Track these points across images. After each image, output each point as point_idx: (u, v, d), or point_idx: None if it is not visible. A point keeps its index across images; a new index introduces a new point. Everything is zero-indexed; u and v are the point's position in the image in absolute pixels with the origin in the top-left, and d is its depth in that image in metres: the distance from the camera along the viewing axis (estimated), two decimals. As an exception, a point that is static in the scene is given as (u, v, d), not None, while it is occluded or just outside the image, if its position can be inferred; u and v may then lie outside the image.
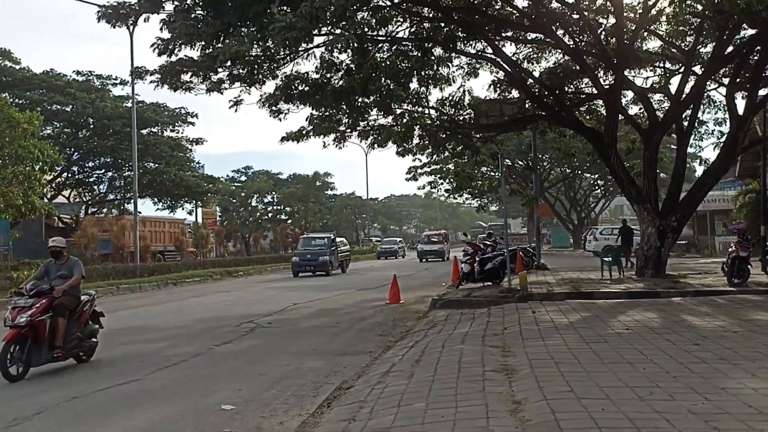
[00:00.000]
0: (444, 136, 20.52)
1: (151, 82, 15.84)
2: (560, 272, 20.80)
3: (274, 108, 18.02)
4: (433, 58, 18.63)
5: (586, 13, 16.98)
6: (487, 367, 6.91)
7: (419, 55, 17.98)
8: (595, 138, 18.10)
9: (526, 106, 21.12)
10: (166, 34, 14.65)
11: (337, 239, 34.14)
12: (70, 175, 37.54)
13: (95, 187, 40.19)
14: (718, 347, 7.51)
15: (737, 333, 8.55)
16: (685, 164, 19.69)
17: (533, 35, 18.36)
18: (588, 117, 21.30)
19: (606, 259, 18.22)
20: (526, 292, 13.97)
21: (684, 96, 17.86)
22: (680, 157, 18.40)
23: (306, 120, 19.40)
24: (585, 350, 7.53)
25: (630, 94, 20.96)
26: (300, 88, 17.76)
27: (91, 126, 36.09)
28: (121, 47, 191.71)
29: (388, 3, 16.25)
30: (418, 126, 20.22)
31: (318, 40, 16.12)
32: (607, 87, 17.91)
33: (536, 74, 19.58)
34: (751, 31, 16.74)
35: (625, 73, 18.12)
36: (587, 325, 9.66)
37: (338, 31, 13.59)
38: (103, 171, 39.03)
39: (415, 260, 44.72)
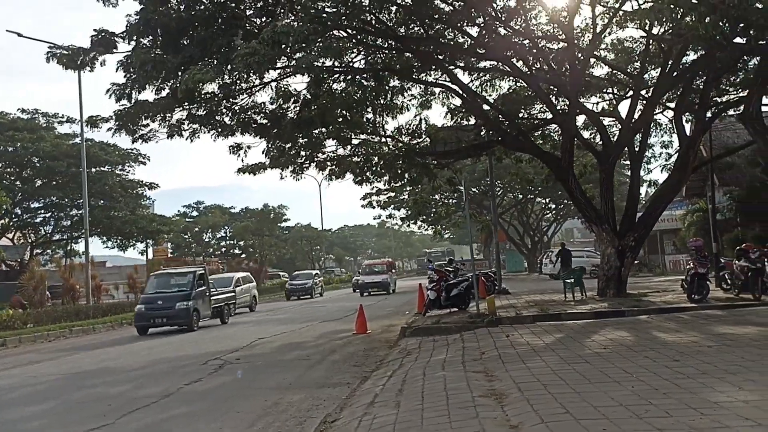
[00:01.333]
0: (401, 163, 20.61)
1: (108, 129, 15.47)
2: (522, 296, 20.95)
3: (233, 144, 17.78)
4: (388, 87, 18.82)
5: (537, 40, 17.40)
6: (475, 393, 6.82)
7: (374, 84, 18.12)
8: (553, 162, 18.44)
9: (482, 132, 21.47)
10: (120, 77, 14.37)
11: (236, 276, 28.57)
12: (14, 216, 36.21)
13: (41, 228, 38.84)
14: (698, 362, 7.59)
15: (711, 347, 8.68)
16: (639, 186, 20.24)
17: (488, 63, 18.69)
18: (542, 142, 21.73)
19: (568, 280, 18.43)
20: (495, 317, 13.96)
21: (634, 120, 18.39)
22: (634, 179, 18.88)
23: (263, 153, 19.20)
24: (569, 371, 7.52)
25: (581, 118, 21.50)
26: (257, 119, 17.62)
27: (36, 166, 34.99)
28: (66, 81, 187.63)
29: (344, 34, 16.34)
30: (376, 156, 20.29)
31: (275, 73, 16.22)
32: (561, 112, 18.31)
33: (491, 100, 19.89)
34: (694, 56, 17.42)
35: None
36: (563, 346, 9.69)
37: (297, 57, 13.55)
38: (49, 212, 37.78)
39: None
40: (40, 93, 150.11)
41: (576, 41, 17.44)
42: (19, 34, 24.77)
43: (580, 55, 17.14)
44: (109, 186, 35.42)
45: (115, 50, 14.35)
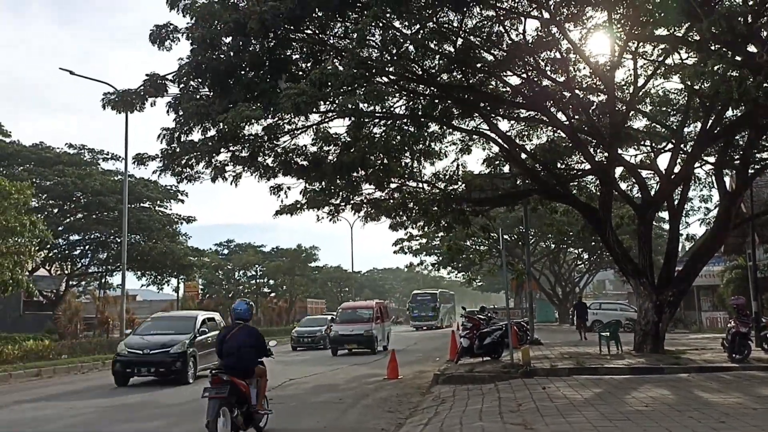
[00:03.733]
0: (437, 209, 20.67)
1: (155, 171, 15.90)
2: (555, 347, 20.63)
3: (274, 185, 18.07)
4: (427, 133, 19.04)
5: (577, 92, 17.51)
6: (517, 446, 6.72)
7: (414, 130, 18.34)
8: (590, 213, 18.35)
9: (518, 181, 21.50)
10: (170, 120, 14.86)
11: (200, 317, 18.44)
12: (56, 249, 37.03)
13: (78, 260, 39.61)
14: (744, 425, 7.40)
15: (757, 410, 8.45)
16: (678, 240, 19.98)
17: (527, 112, 18.82)
18: (578, 192, 21.66)
19: (604, 334, 18.13)
20: (530, 368, 13.78)
21: (674, 174, 18.27)
22: (672, 233, 18.66)
23: (300, 193, 19.45)
24: (611, 428, 7.38)
25: (619, 170, 21.42)
26: (298, 161, 17.92)
27: (81, 201, 35.89)
28: (105, 119, 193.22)
29: (386, 79, 16.66)
30: (412, 201, 20.41)
31: (317, 116, 16.57)
32: (600, 163, 18.28)
33: (530, 149, 19.96)
34: (736, 112, 17.35)
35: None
36: (603, 401, 9.50)
37: (341, 99, 13.88)
38: (88, 246, 38.56)
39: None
40: (84, 127, 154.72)
41: (617, 93, 17.53)
42: (72, 72, 25.70)
43: (620, 107, 17.19)
44: (149, 220, 36.09)
45: (165, 93, 14.80)
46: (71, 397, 14.00)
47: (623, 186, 22.25)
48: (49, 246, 32.89)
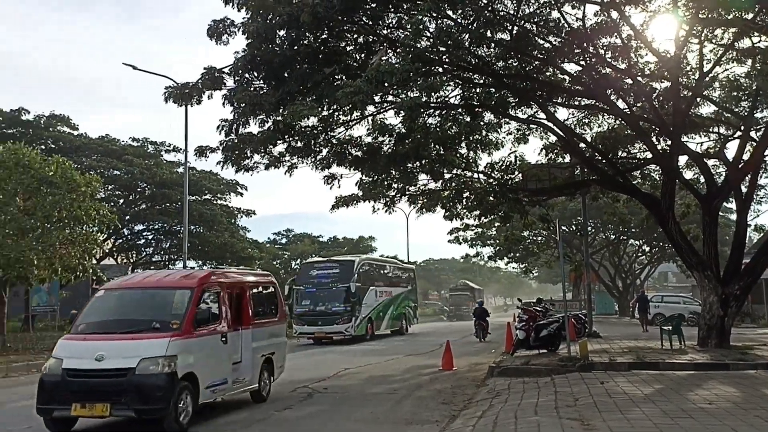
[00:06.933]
0: (493, 199, 20.43)
1: (218, 163, 16.25)
2: (615, 341, 20.13)
3: (327, 174, 18.17)
4: (482, 123, 18.80)
5: (639, 78, 16.97)
6: (572, 442, 6.59)
7: (469, 120, 18.13)
8: (652, 203, 17.81)
9: (576, 171, 21.04)
10: (227, 112, 15.15)
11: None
12: (121, 238, 38.34)
13: (143, 249, 40.89)
14: (817, 425, 7.06)
15: (831, 410, 8.05)
16: (746, 230, 19.18)
17: (586, 100, 18.36)
18: (641, 182, 21.04)
19: (666, 328, 17.61)
20: (588, 361, 13.51)
21: (742, 162, 17.54)
22: (741, 224, 17.94)
23: (356, 185, 19.54)
24: (672, 426, 7.16)
25: (683, 158, 20.71)
26: (353, 152, 17.99)
27: (146, 191, 37.01)
28: (165, 113, 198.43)
29: (441, 69, 16.51)
30: (467, 191, 20.23)
31: (372, 107, 16.59)
32: (662, 152, 17.70)
33: (589, 138, 19.49)
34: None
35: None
36: (664, 398, 9.22)
37: (400, 96, 13.86)
38: (152, 235, 39.77)
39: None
40: (146, 121, 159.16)
41: (681, 79, 16.91)
42: (135, 67, 26.37)
43: (685, 93, 16.58)
44: (210, 212, 36.96)
45: (223, 86, 15.07)
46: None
47: (689, 175, 21.51)
48: (115, 236, 34.09)
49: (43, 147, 32.75)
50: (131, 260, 40.97)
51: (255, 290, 11.84)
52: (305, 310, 27.46)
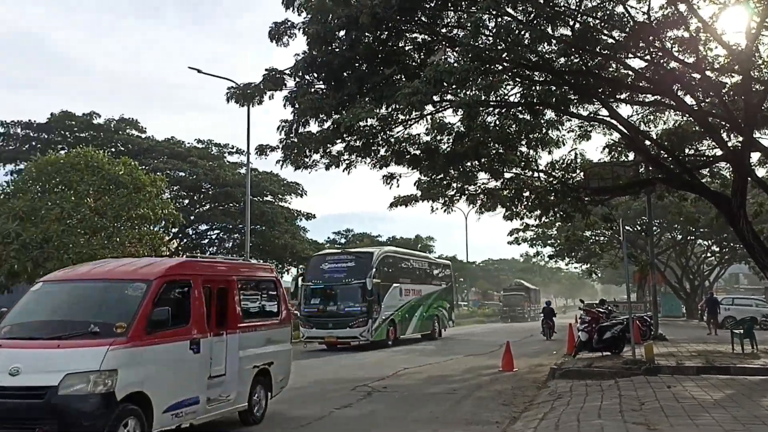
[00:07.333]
0: (553, 198, 20.10)
1: (277, 162, 16.53)
2: (681, 344, 19.53)
3: (386, 173, 18.23)
4: (543, 121, 18.50)
5: (708, 73, 16.38)
6: (638, 447, 6.42)
7: (529, 118, 17.88)
8: (722, 202, 17.15)
9: (641, 169, 20.49)
10: (288, 113, 15.41)
11: None
12: (186, 238, 39.43)
13: (207, 249, 41.94)
14: None
15: None
16: (824, 230, 18.29)
17: (651, 96, 17.85)
18: (710, 180, 20.32)
19: (737, 331, 16.96)
20: (653, 365, 13.13)
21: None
22: (818, 223, 17.11)
23: (414, 185, 19.55)
24: (744, 432, 6.89)
25: (755, 155, 19.86)
26: (411, 151, 17.99)
27: (210, 192, 37.96)
28: (224, 115, 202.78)
29: (500, 67, 16.33)
30: (527, 190, 19.97)
31: (431, 106, 16.54)
32: (733, 148, 17.05)
33: (654, 135, 18.94)
34: None
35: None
36: (735, 403, 8.89)
37: (460, 95, 13.79)
38: (215, 234, 40.76)
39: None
40: (209, 123, 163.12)
41: (753, 73, 16.23)
42: (199, 71, 27.07)
43: (757, 87, 15.92)
44: (271, 212, 37.63)
45: (284, 87, 15.32)
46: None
47: (761, 172, 20.63)
48: (180, 235, 35.06)
49: (113, 149, 33.98)
50: (195, 259, 42.12)
51: (247, 285, 9.84)
52: (314, 310, 23.98)
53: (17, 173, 29.47)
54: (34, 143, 34.98)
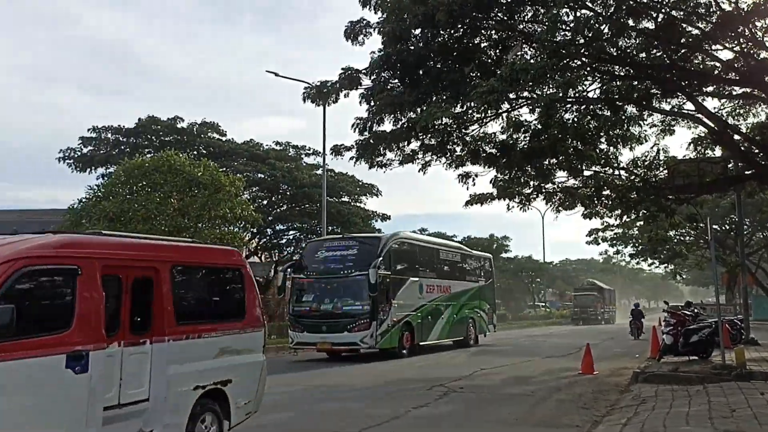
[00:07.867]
0: (635, 197, 19.47)
1: (351, 158, 16.72)
2: (776, 349, 18.53)
3: (461, 172, 18.11)
4: (624, 117, 17.95)
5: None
6: (730, 455, 6.13)
7: (609, 114, 17.38)
8: (820, 199, 16.19)
9: (729, 166, 19.60)
10: (363, 110, 15.54)
11: None
12: (265, 238, 40.36)
13: (285, 249, 42.77)
14: None
15: None
16: None
17: (741, 89, 17.01)
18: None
19: (837, 336, 15.95)
20: (745, 370, 12.52)
21: None
22: None
23: (490, 182, 19.34)
24: None
25: None
26: (487, 149, 17.80)
27: (287, 193, 38.75)
28: (299, 119, 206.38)
29: (578, 62, 15.94)
30: (607, 188, 19.43)
31: (507, 104, 16.33)
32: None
33: (744, 129, 18.05)
34: None
35: None
36: (838, 413, 8.35)
37: (536, 93, 13.57)
38: (292, 234, 41.55)
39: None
40: (286, 126, 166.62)
41: None
42: (277, 74, 27.81)
43: None
44: (348, 212, 38.05)
45: (359, 86, 15.46)
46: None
47: None
48: (259, 235, 35.92)
49: (195, 152, 35.15)
50: (274, 258, 43.00)
51: (189, 276, 7.29)
52: (305, 309, 19.64)
53: (108, 176, 30.86)
54: (123, 147, 36.53)
